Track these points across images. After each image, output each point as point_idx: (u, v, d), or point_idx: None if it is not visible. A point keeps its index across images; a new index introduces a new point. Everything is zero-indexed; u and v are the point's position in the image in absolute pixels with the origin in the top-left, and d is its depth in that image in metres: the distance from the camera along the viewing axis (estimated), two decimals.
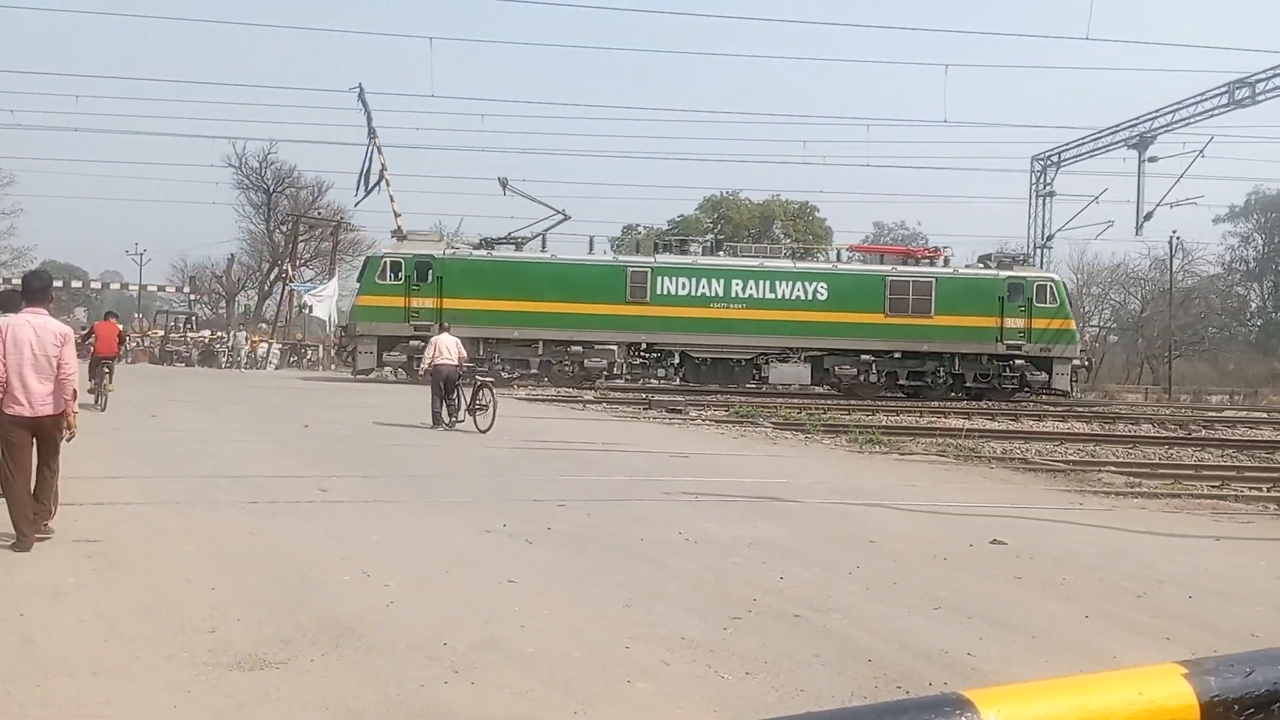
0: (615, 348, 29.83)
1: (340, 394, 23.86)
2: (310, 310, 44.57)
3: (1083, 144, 40.41)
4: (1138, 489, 11.80)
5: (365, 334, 29.32)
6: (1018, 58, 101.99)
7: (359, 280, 32.63)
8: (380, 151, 40.26)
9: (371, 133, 40.27)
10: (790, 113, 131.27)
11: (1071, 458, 15.84)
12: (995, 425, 22.11)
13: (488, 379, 16.30)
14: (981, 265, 32.03)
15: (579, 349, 29.67)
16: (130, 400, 18.01)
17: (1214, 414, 28.43)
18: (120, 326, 19.84)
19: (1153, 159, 36.61)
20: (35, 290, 6.66)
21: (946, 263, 32.41)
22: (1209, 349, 57.65)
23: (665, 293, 29.83)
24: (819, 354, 29.98)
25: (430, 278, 29.28)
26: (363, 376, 30.40)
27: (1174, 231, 47.06)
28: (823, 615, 5.31)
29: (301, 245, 53.53)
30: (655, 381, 30.78)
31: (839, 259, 32.49)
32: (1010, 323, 29.88)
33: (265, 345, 43.23)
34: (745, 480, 10.84)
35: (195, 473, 9.92)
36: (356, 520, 7.59)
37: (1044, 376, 30.18)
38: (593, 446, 13.77)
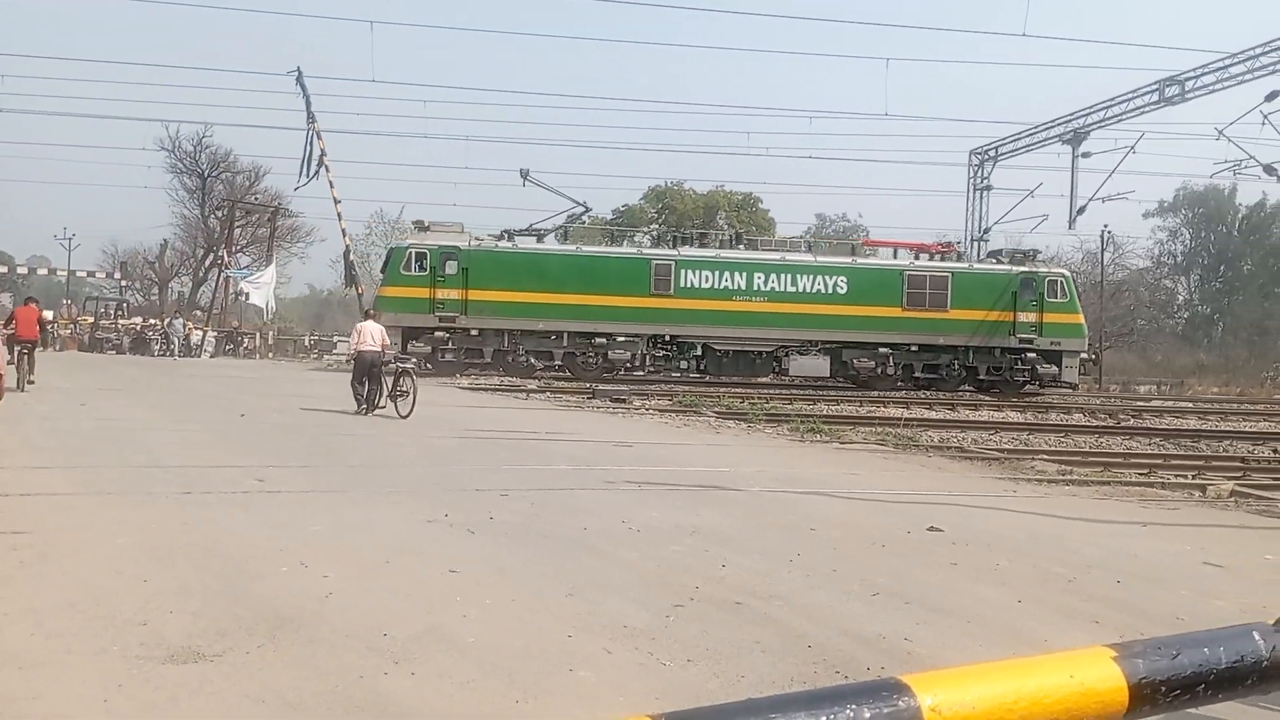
0: (639, 340, 29.93)
1: (278, 383, 23.46)
2: (247, 297, 43.75)
3: (1019, 139, 41.22)
4: (1069, 476, 12.11)
5: (389, 325, 29.07)
6: (957, 53, 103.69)
7: (382, 271, 32.32)
8: (320, 136, 39.58)
9: (311, 117, 39.58)
10: (734, 104, 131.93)
11: (1006, 446, 16.19)
12: (933, 414, 22.50)
13: (408, 365, 16.57)
14: (994, 261, 32.71)
15: (603, 341, 29.69)
16: (59, 388, 17.52)
17: (1142, 404, 29.26)
18: (41, 311, 19.38)
19: (1086, 154, 37.49)
20: None
21: (959, 257, 32.99)
22: (1138, 341, 59.28)
23: (689, 285, 29.99)
24: (837, 347, 30.31)
25: (455, 269, 29.15)
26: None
27: (1105, 226, 48.36)
28: (764, 602, 5.36)
29: (238, 231, 52.44)
30: (677, 374, 30.90)
31: (853, 252, 32.86)
32: (1023, 317, 30.58)
33: (200, 333, 42.31)
34: (688, 469, 10.89)
35: (127, 463, 9.68)
36: (295, 511, 7.47)
37: (1054, 369, 30.86)
38: (536, 436, 13.72)
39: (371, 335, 16.46)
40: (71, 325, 43.86)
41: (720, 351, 30.36)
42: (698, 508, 8.29)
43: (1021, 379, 30.90)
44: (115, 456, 10.11)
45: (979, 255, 34.22)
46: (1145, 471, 13.25)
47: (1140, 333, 59.60)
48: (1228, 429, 21.26)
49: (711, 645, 4.58)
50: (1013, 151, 41.88)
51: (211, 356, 40.11)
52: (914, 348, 30.56)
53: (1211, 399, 31.92)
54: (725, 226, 61.81)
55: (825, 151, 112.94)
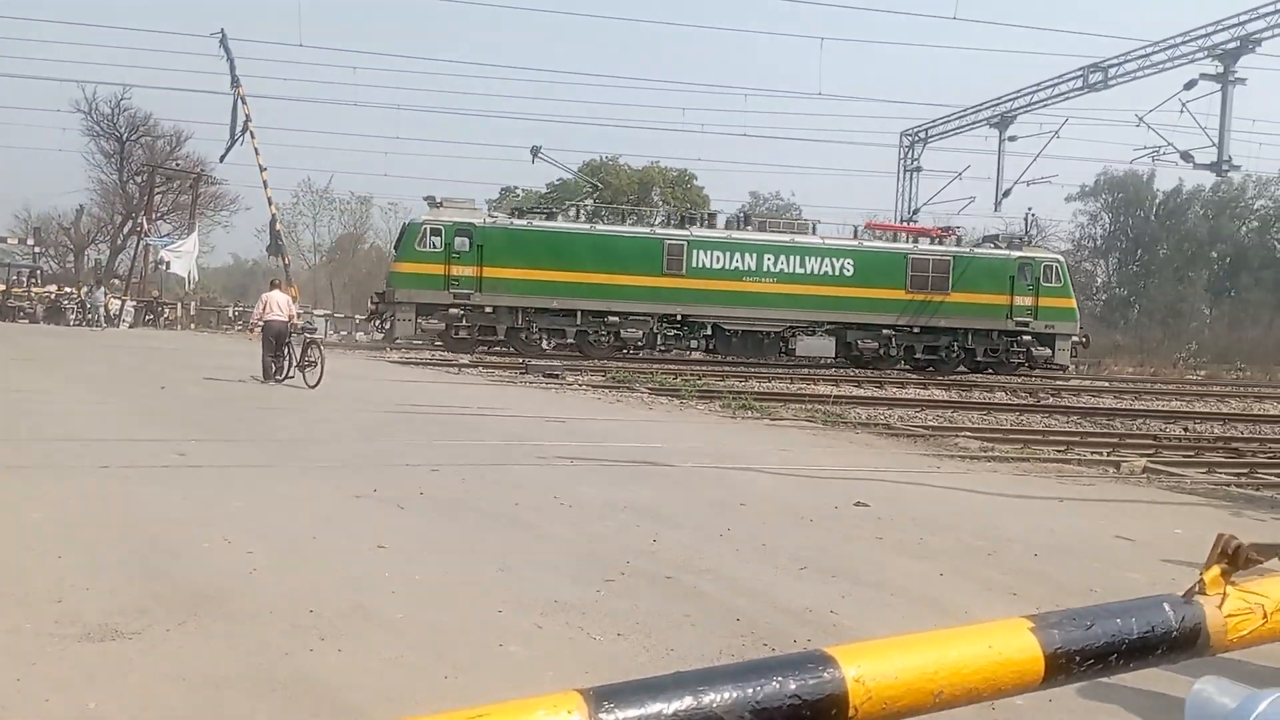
0: (651, 319, 29.97)
1: (200, 354, 22.87)
2: (168, 266, 42.48)
3: (948, 121, 41.86)
4: (990, 453, 12.44)
5: (404, 301, 28.80)
6: (890, 34, 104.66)
7: (395, 247, 32.04)
8: (244, 102, 38.44)
9: (235, 81, 38.38)
10: (669, 79, 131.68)
11: (931, 423, 16.55)
12: (861, 392, 22.89)
13: (315, 336, 16.86)
14: (992, 245, 33.39)
15: (616, 320, 29.68)
16: None
17: (1060, 383, 30.12)
18: None
19: (1012, 138, 38.22)
20: None
21: (959, 242, 33.61)
22: None
23: (700, 265, 30.13)
24: (843, 328, 30.70)
25: (470, 246, 28.86)
26: (399, 341, 29.58)
27: (1030, 209, 49.50)
28: (694, 577, 5.41)
29: (158, 198, 50.80)
30: (687, 354, 31.18)
31: (855, 235, 33.19)
32: (1020, 300, 31.42)
33: (119, 302, 40.99)
34: (621, 445, 10.92)
35: (41, 436, 9.36)
36: (217, 486, 7.31)
37: (1048, 352, 31.83)
38: (468, 411, 13.61)
39: (278, 305, 16.55)
40: None
41: (730, 331, 30.68)
42: (630, 483, 8.32)
43: (1017, 361, 31.90)
44: (28, 429, 9.77)
45: (963, 240, 34.83)
46: (1063, 449, 13.68)
47: None
48: (1141, 408, 22.02)
49: (642, 619, 4.61)
50: (942, 134, 42.55)
51: (130, 327, 38.91)
52: (916, 329, 31.29)
53: (1126, 379, 33.02)
54: (660, 203, 61.85)
55: (760, 129, 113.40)
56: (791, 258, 30.62)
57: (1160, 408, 22.21)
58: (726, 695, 0.79)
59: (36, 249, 56.26)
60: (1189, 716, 0.80)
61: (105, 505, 6.43)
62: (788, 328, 30.80)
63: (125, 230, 54.79)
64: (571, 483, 8.17)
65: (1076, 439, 15.07)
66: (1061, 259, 34.30)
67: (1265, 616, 0.99)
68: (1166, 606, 0.97)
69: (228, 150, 38.93)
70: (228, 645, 3.98)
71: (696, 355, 32.00)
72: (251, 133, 38.56)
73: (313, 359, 15.98)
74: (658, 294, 29.78)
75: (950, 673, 0.88)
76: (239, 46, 38.89)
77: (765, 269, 30.43)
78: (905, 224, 34.57)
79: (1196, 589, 0.99)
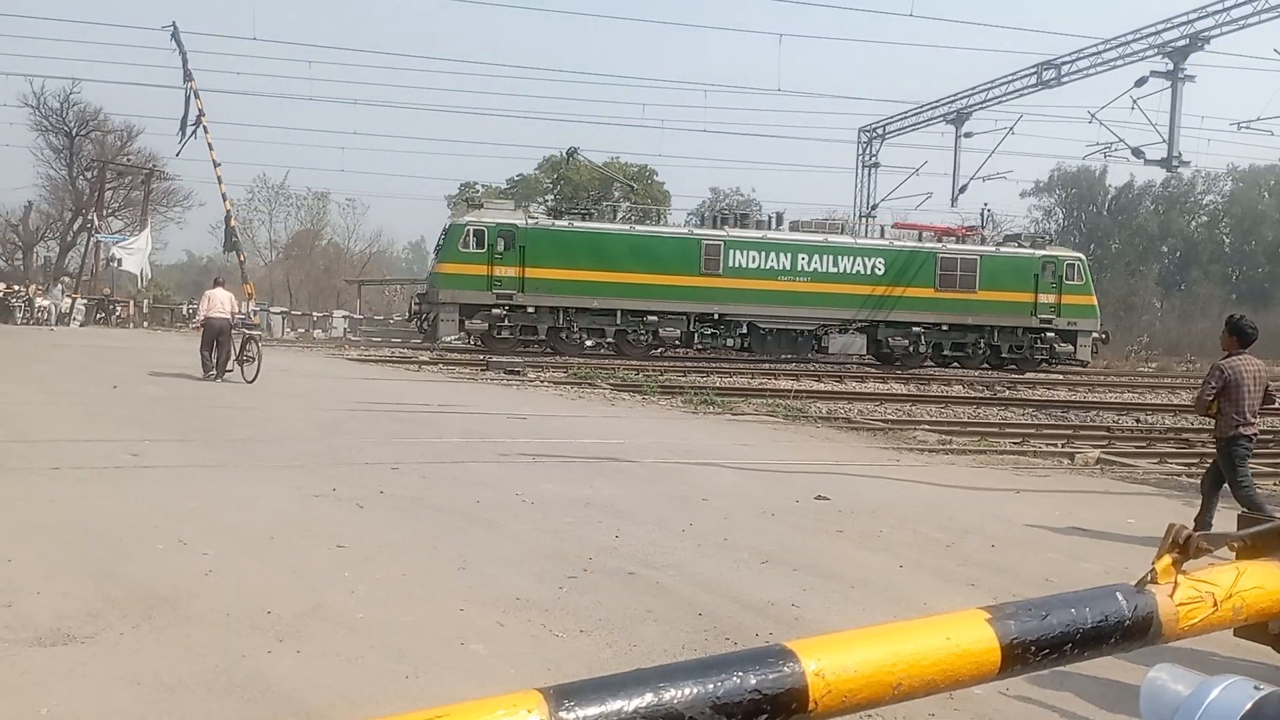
0: (688, 318, 30.29)
1: (153, 353, 22.47)
2: (119, 264, 41.66)
3: (905, 118, 42.21)
4: (948, 446, 12.59)
5: (447, 301, 28.95)
6: (847, 31, 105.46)
7: (435, 250, 32.07)
8: (197, 96, 37.77)
9: (188, 75, 37.69)
10: (630, 74, 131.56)
11: (890, 417, 16.71)
12: (822, 386, 23.04)
13: (255, 332, 17.20)
14: (1015, 244, 33.98)
15: (654, 319, 29.97)
16: None
17: (1016, 376, 30.55)
18: None
19: (968, 134, 38.60)
20: None
21: (983, 241, 34.17)
22: None
23: (737, 265, 30.46)
24: (874, 325, 31.15)
25: (513, 246, 29.05)
26: (438, 342, 29.53)
27: (985, 204, 49.94)
28: (656, 572, 5.42)
29: (109, 194, 49.79)
30: (722, 352, 31.40)
31: (881, 235, 33.62)
32: (1044, 298, 32.06)
33: (69, 300, 40.13)
34: (582, 441, 10.90)
35: None
36: (172, 486, 7.19)
37: (1070, 348, 32.49)
38: (428, 408, 13.52)
39: (221, 303, 16.86)
40: None
41: (764, 330, 31.06)
42: (592, 479, 8.31)
43: (1041, 357, 32.61)
44: None
45: (1003, 239, 35.34)
46: (1019, 441, 13.88)
47: None
48: (1094, 400, 22.39)
49: (605, 616, 4.61)
50: (900, 130, 42.89)
51: (82, 325, 38.12)
52: (945, 327, 31.89)
53: (1080, 372, 33.53)
54: (621, 199, 61.78)
55: (720, 125, 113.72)
56: (825, 257, 31.17)
57: (1113, 400, 22.61)
58: (687, 691, 0.79)
59: None
60: (1144, 704, 0.81)
61: (56, 507, 6.30)
62: (821, 326, 31.42)
63: (75, 227, 53.66)
64: (533, 480, 8.14)
65: (1032, 431, 15.29)
66: (1083, 258, 35.05)
67: (1215, 605, 1.01)
68: (1119, 596, 0.98)
69: (182, 145, 38.26)
70: (183, 648, 3.92)
71: (709, 355, 32.41)
72: (205, 128, 37.91)
73: (251, 354, 16.26)
74: (695, 293, 30.20)
75: (909, 665, 0.88)
76: (191, 40, 38.16)
77: (799, 268, 30.97)
78: (932, 223, 35.05)
79: (1149, 578, 1.00)
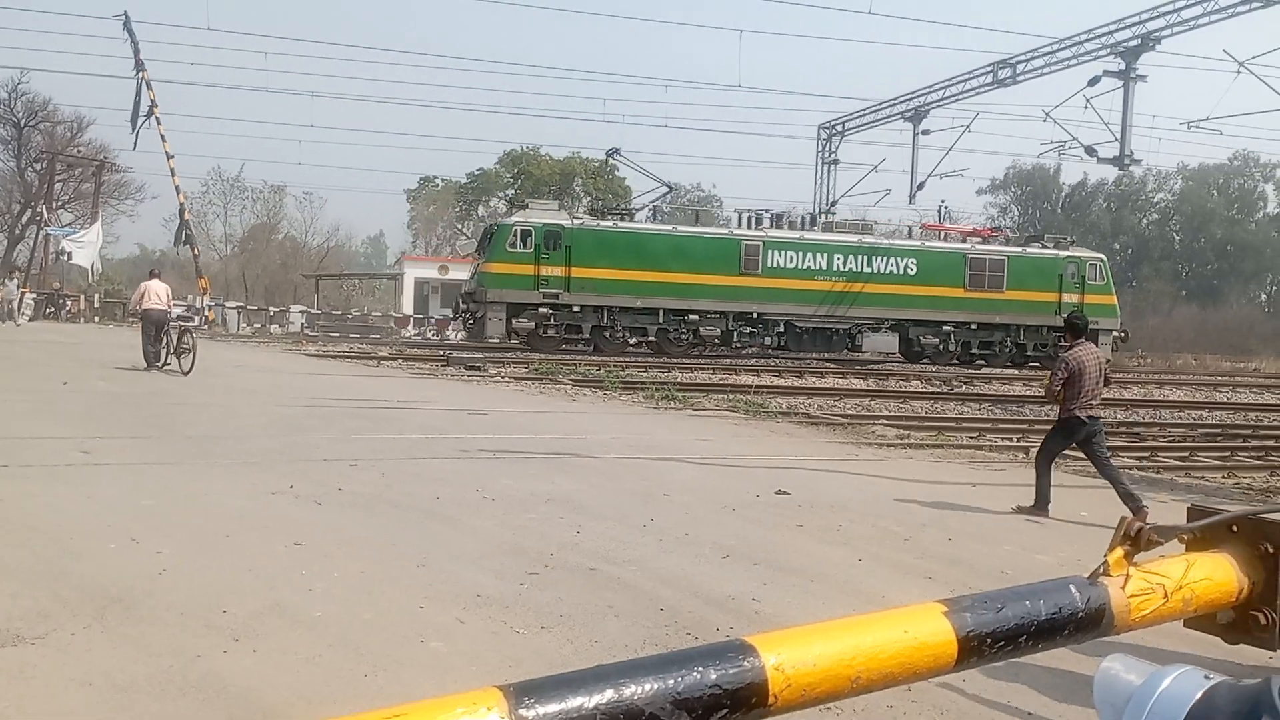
0: (727, 317, 30.72)
1: (105, 349, 22.05)
2: (69, 257, 40.80)
3: (864, 115, 42.51)
4: (907, 440, 12.72)
5: (495, 300, 29.14)
6: (807, 27, 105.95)
7: (478, 250, 32.56)
8: (150, 87, 37.09)
9: (139, 66, 37.00)
10: (590, 69, 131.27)
11: (849, 412, 16.85)
12: (782, 382, 23.17)
13: (190, 324, 17.75)
14: (1039, 245, 34.65)
15: (695, 318, 30.41)
16: None
17: (973, 371, 30.94)
18: None
19: (926, 132, 38.96)
20: None
21: (1008, 241, 35.00)
22: None
23: (775, 265, 31.00)
24: (906, 324, 31.71)
25: (559, 246, 29.40)
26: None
27: (943, 201, 50.44)
28: (617, 568, 5.42)
29: (59, 186, 48.77)
30: (760, 350, 31.89)
31: (909, 235, 34.19)
32: (1067, 298, 32.72)
33: (17, 295, 39.23)
34: (543, 436, 10.87)
35: None
36: (125, 484, 7.06)
37: None
38: (387, 404, 13.40)
39: (158, 295, 17.18)
40: None
41: (800, 329, 31.56)
42: (553, 475, 8.29)
43: None
44: None
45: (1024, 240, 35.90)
46: (975, 435, 14.06)
47: None
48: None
49: (566, 612, 4.60)
50: (859, 127, 43.19)
51: (30, 320, 37.31)
52: (973, 326, 32.57)
53: (1036, 367, 34.00)
54: (582, 194, 61.65)
55: (680, 121, 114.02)
56: (859, 257, 31.77)
57: None
58: (648, 687, 0.79)
59: None
60: (1097, 694, 0.83)
61: (4, 506, 6.16)
62: (855, 325, 32.01)
63: (24, 220, 52.48)
64: (494, 476, 8.11)
65: (988, 426, 15.49)
66: (1104, 258, 36.03)
67: (1166, 596, 1.03)
68: (1073, 588, 1.00)
69: (137, 135, 37.53)
70: (137, 648, 3.86)
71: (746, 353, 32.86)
72: (158, 119, 37.25)
73: (187, 345, 16.59)
74: (735, 293, 30.66)
75: (867, 658, 0.89)
76: (143, 29, 37.50)
77: (835, 268, 31.55)
78: (958, 225, 35.75)
79: (1101, 571, 1.02)
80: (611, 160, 33.58)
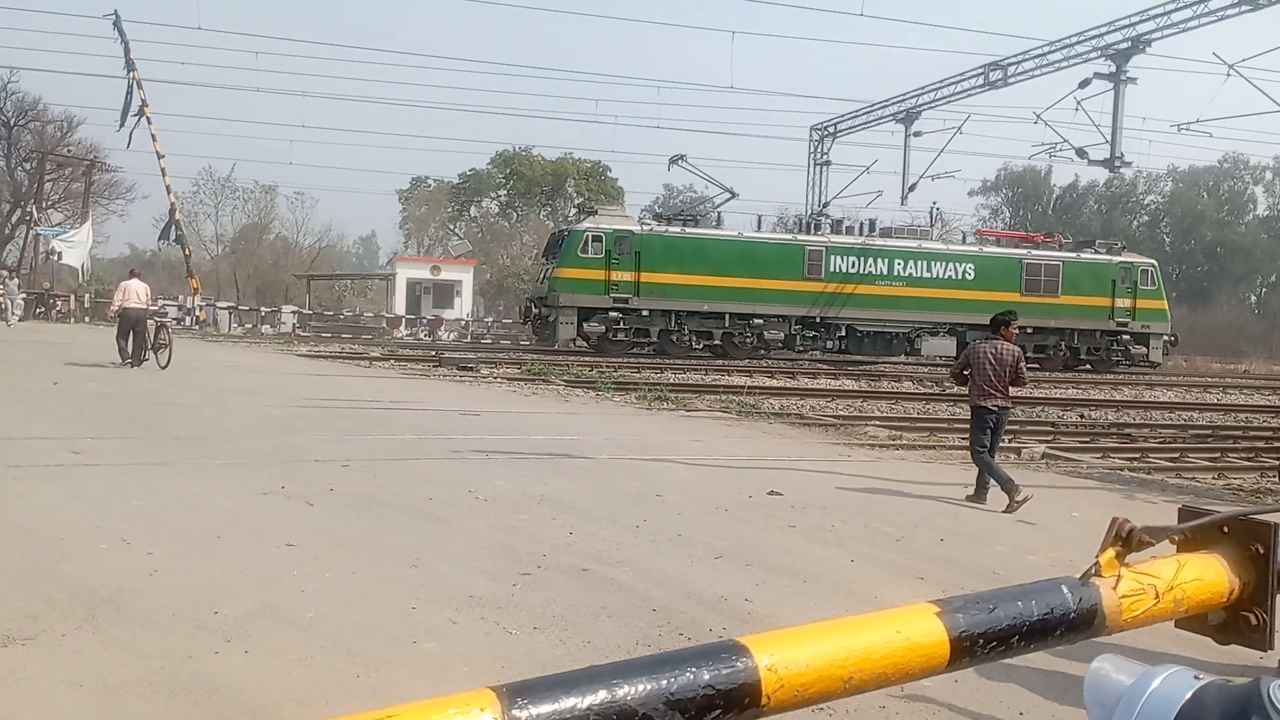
0: (789, 320, 31.20)
1: (95, 349, 21.97)
2: (60, 257, 40.64)
3: (856, 116, 42.59)
4: (899, 441, 12.75)
5: (566, 305, 29.64)
6: (799, 29, 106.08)
7: (547, 255, 33.17)
8: (140, 86, 36.99)
9: (130, 65, 36.90)
10: (583, 70, 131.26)
11: (842, 413, 16.88)
12: (774, 383, 23.20)
13: (166, 320, 18.47)
14: (1092, 251, 34.88)
15: (760, 321, 30.84)
16: None
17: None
18: None
19: (917, 133, 39.05)
20: None
21: (1060, 247, 35.26)
22: None
23: (837, 270, 31.50)
24: (963, 328, 31.74)
25: (629, 252, 29.89)
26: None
27: (934, 202, 50.53)
28: (610, 568, 5.42)
29: (49, 185, 48.58)
30: (821, 354, 32.30)
31: (964, 241, 34.63)
32: (1120, 302, 33.31)
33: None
34: (536, 437, 10.86)
35: None
36: (115, 485, 7.03)
37: (1144, 350, 33.73)
38: (379, 405, 13.38)
39: (137, 293, 17.88)
40: None
41: (861, 333, 31.94)
42: (545, 476, 8.28)
43: (1116, 358, 33.76)
44: None
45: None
46: (967, 436, 14.06)
47: None
48: (1040, 396, 22.77)
49: (558, 612, 4.60)
50: (850, 129, 43.27)
51: (21, 320, 37.15)
52: (1029, 330, 32.54)
53: (1087, 370, 34.10)
54: (574, 195, 61.59)
55: (673, 122, 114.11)
56: (919, 262, 32.17)
57: (1058, 396, 23.03)
58: (641, 687, 0.79)
59: None
60: (1087, 694, 0.83)
61: None
62: (914, 328, 32.31)
63: (14, 219, 52.28)
64: (486, 476, 8.10)
65: None
66: (1155, 263, 36.35)
67: (1157, 597, 1.03)
68: (1064, 589, 1.00)
69: (129, 134, 37.41)
70: (127, 649, 3.84)
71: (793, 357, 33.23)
72: (148, 118, 37.15)
73: (163, 341, 17.25)
74: (799, 297, 31.11)
75: (859, 659, 0.89)
76: (134, 28, 37.42)
77: (895, 273, 31.96)
78: (1013, 231, 36.09)
79: (1093, 571, 1.02)
80: (678, 166, 33.41)
